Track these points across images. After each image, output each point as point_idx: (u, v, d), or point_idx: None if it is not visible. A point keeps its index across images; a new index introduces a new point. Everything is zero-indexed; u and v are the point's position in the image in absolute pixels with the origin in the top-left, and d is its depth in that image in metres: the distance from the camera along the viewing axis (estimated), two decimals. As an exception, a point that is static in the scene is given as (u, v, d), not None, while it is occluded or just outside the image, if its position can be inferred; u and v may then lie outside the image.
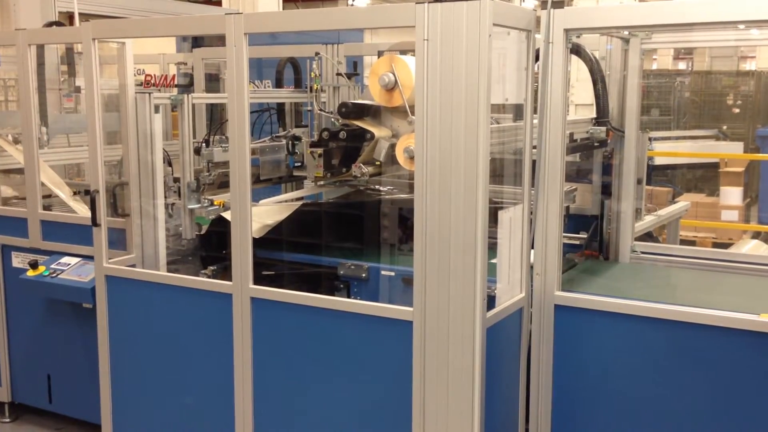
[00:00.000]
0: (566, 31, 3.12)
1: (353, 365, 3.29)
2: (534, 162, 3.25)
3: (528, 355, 3.37)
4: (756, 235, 8.20)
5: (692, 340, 3.06)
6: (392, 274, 3.63)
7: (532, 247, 3.30)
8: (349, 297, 3.70)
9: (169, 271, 3.94)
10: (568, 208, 3.92)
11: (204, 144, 4.02)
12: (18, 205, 4.82)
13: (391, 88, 3.47)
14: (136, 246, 3.94)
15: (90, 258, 4.08)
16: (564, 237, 3.40)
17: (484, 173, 2.86)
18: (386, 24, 3.15)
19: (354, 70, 4.95)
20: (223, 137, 4.00)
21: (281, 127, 5.03)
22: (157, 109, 3.85)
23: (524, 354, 3.39)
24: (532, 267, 3.30)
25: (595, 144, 4.01)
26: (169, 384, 3.81)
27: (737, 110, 11.81)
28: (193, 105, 4.01)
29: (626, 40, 4.04)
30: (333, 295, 3.67)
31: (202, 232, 4.01)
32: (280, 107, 5.15)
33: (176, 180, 3.95)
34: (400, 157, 3.44)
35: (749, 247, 6.65)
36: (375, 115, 3.72)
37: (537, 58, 3.22)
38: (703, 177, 10.63)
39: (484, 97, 2.81)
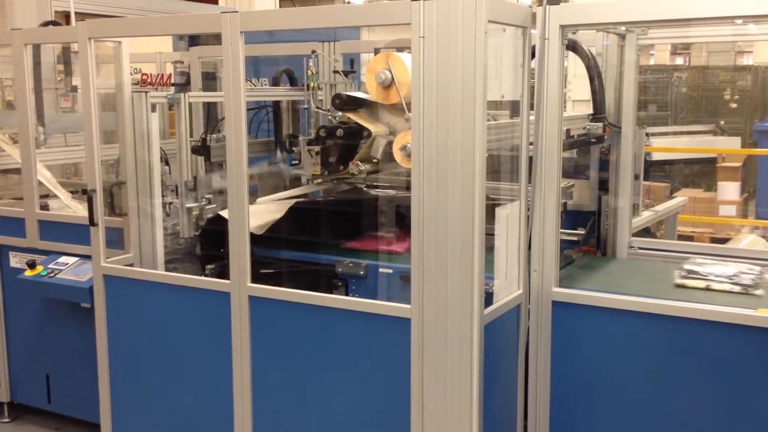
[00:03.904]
0: (562, 27, 3.13)
1: (351, 363, 3.29)
2: (531, 158, 3.26)
3: (526, 351, 3.38)
4: (754, 230, 8.21)
5: (689, 335, 3.07)
6: (390, 271, 3.64)
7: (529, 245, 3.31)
8: (347, 295, 3.70)
9: (167, 270, 3.94)
10: (565, 204, 3.92)
11: (201, 143, 4.01)
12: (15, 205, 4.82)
13: (387, 86, 3.47)
14: (134, 245, 3.94)
15: (88, 257, 4.08)
16: (561, 233, 3.41)
17: (480, 170, 2.86)
18: (382, 21, 3.15)
19: (351, 67, 4.94)
20: (221, 136, 4.00)
21: (277, 149, 4.98)
22: (153, 108, 3.85)
23: (522, 350, 3.39)
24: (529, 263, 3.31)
25: (592, 140, 4.02)
26: (168, 383, 3.82)
27: (734, 105, 11.81)
28: (190, 104, 4.00)
29: (622, 36, 4.04)
30: (331, 292, 3.68)
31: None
32: (277, 105, 5.15)
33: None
34: (397, 154, 3.43)
35: (747, 242, 6.66)
36: (371, 111, 3.71)
37: (533, 55, 3.22)
38: (701, 172, 10.64)
39: (480, 93, 2.81)
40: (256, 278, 3.50)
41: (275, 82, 5.22)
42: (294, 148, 4.31)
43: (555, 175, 3.20)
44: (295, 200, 4.14)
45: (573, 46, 3.76)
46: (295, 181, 4.55)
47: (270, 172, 4.28)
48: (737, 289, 3.39)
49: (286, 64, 5.27)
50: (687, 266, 3.61)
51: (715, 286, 3.43)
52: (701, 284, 3.46)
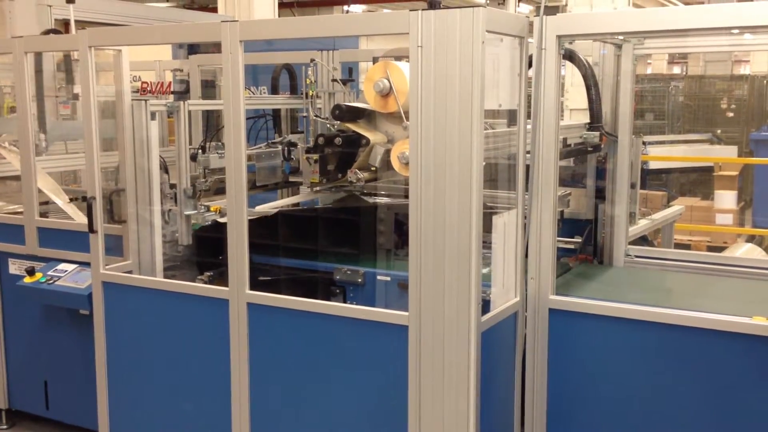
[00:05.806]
0: (558, 37, 3.15)
1: (349, 370, 3.30)
2: (528, 167, 3.28)
3: (523, 359, 3.39)
4: (750, 239, 8.24)
5: (686, 343, 3.08)
6: (388, 279, 3.65)
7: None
8: (345, 302, 3.71)
9: (165, 277, 3.95)
10: (562, 212, 3.95)
11: (200, 150, 4.03)
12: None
13: (386, 94, 3.49)
14: (133, 252, 3.95)
15: (87, 264, 4.09)
16: (558, 241, 3.43)
17: (478, 178, 2.88)
18: (380, 31, 3.17)
19: (349, 76, 4.98)
20: (219, 143, 4.02)
21: (277, 134, 5.05)
22: (153, 115, 3.87)
23: (519, 357, 3.41)
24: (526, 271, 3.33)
25: (589, 149, 4.04)
26: (166, 390, 3.82)
27: (731, 114, 11.85)
28: (190, 112, 4.02)
29: (619, 46, 4.07)
30: (329, 300, 3.69)
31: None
32: (276, 113, 5.18)
33: (172, 186, 3.96)
34: (395, 162, 3.46)
35: (743, 251, 6.68)
36: (370, 120, 3.74)
37: (530, 64, 3.25)
38: (698, 181, 10.67)
39: (477, 102, 2.83)
40: (255, 285, 3.52)
41: (274, 81, 5.25)
42: (293, 156, 4.33)
43: (552, 184, 3.22)
44: (293, 209, 4.16)
45: (570, 56, 3.79)
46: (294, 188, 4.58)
47: (268, 153, 4.29)
48: None
49: (284, 71, 5.30)
50: None
51: None
52: None
